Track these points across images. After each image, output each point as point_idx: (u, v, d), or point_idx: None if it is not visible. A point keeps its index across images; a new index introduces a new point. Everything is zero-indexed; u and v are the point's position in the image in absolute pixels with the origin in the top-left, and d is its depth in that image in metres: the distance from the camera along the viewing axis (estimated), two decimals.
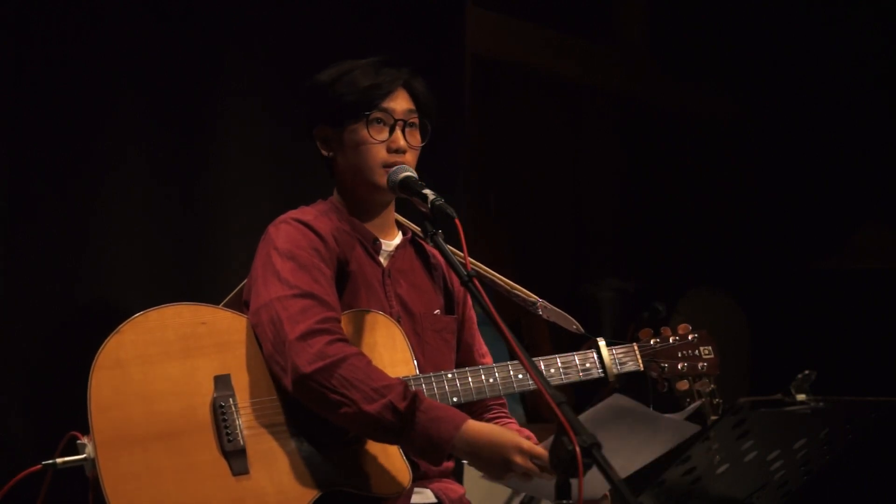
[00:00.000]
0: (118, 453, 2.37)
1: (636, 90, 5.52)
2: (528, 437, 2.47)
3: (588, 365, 2.71)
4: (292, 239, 2.57)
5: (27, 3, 3.17)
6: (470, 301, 2.84)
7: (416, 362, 2.59)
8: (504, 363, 2.65)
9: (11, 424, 3.10)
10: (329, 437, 2.49)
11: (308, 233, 2.59)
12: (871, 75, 5.32)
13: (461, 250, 2.37)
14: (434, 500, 2.63)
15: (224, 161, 3.56)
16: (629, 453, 2.38)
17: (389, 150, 2.64)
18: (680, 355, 2.79)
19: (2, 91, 3.12)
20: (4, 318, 3.10)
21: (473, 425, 2.40)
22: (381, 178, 2.63)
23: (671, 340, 2.81)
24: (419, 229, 2.76)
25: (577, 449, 1.88)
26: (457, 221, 2.39)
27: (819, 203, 5.47)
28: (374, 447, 2.51)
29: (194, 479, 2.38)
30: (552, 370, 2.68)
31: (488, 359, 2.84)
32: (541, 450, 2.32)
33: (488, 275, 2.90)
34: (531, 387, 2.59)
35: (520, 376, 2.63)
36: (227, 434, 2.43)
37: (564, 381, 2.69)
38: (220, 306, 2.63)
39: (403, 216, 2.83)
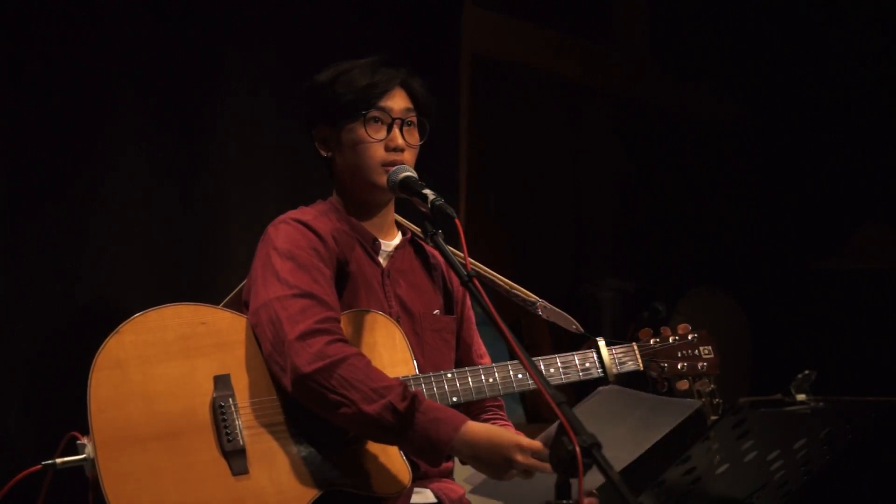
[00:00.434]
0: (118, 453, 2.37)
1: (636, 90, 5.52)
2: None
3: (588, 364, 2.72)
4: (291, 239, 2.57)
5: (27, 3, 3.17)
6: (468, 300, 2.85)
7: (415, 362, 2.59)
8: (504, 363, 2.65)
9: (11, 424, 3.10)
10: (329, 437, 2.49)
11: (307, 233, 2.59)
12: (871, 75, 5.31)
13: (461, 250, 2.37)
14: (434, 500, 2.63)
15: (224, 161, 3.56)
16: (628, 441, 2.38)
17: (388, 149, 2.64)
18: (680, 355, 2.79)
19: (1, 91, 3.12)
20: (4, 318, 3.10)
21: (472, 426, 2.40)
22: (381, 178, 2.63)
23: (671, 340, 2.81)
24: (419, 230, 2.76)
25: (577, 449, 1.88)
26: (457, 221, 2.39)
27: (819, 203, 5.47)
28: (373, 447, 2.51)
29: (194, 479, 2.39)
30: (552, 370, 2.68)
31: (486, 359, 2.84)
32: (540, 444, 2.32)
33: (488, 275, 2.90)
34: (531, 386, 2.59)
35: (519, 376, 2.63)
36: (227, 434, 2.43)
37: (564, 381, 2.69)
38: (219, 306, 2.63)
39: (403, 216, 2.83)
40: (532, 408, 4.80)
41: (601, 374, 2.72)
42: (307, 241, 2.58)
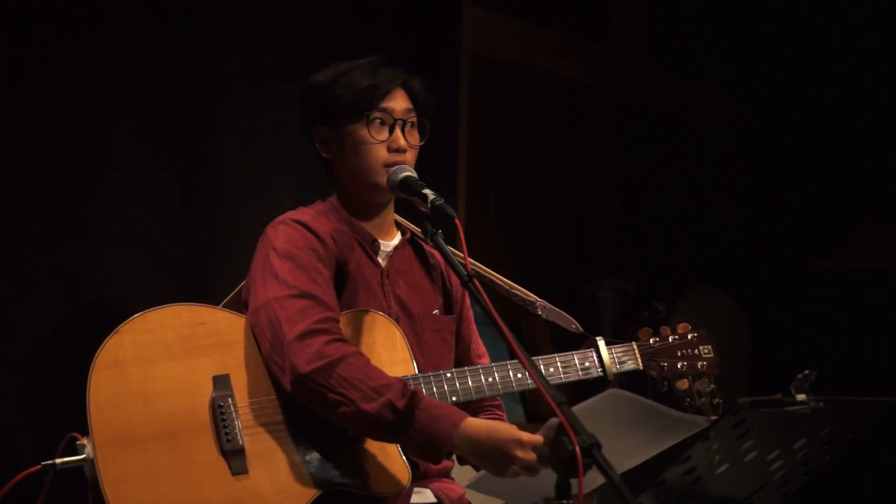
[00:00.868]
0: (117, 453, 2.37)
1: (636, 90, 5.52)
2: None
3: (587, 364, 2.72)
4: (290, 239, 2.57)
5: (27, 3, 3.17)
6: (468, 300, 2.85)
7: (415, 362, 2.59)
8: (503, 363, 2.65)
9: (11, 424, 3.10)
10: (328, 437, 2.49)
11: (306, 233, 2.59)
12: (871, 75, 5.31)
13: (461, 250, 2.37)
14: (434, 499, 2.63)
15: (224, 161, 3.56)
16: (626, 448, 2.38)
17: (390, 150, 2.64)
18: (679, 354, 2.79)
19: (1, 91, 3.12)
20: (4, 319, 3.10)
21: (472, 422, 2.40)
22: (382, 178, 2.63)
23: (670, 339, 2.81)
24: (418, 230, 2.76)
25: (577, 449, 1.88)
26: (457, 221, 2.39)
27: (819, 203, 5.47)
28: (373, 446, 2.51)
29: (193, 479, 2.39)
30: (551, 369, 2.68)
31: (485, 359, 2.84)
32: (541, 439, 2.31)
33: (487, 275, 2.90)
34: (531, 386, 2.59)
35: (519, 376, 2.63)
36: (226, 434, 2.43)
37: (564, 381, 2.69)
38: (219, 307, 2.63)
39: (403, 216, 2.83)
40: (532, 407, 4.80)
41: (601, 374, 2.72)
42: (306, 242, 2.58)
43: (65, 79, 3.22)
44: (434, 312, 2.75)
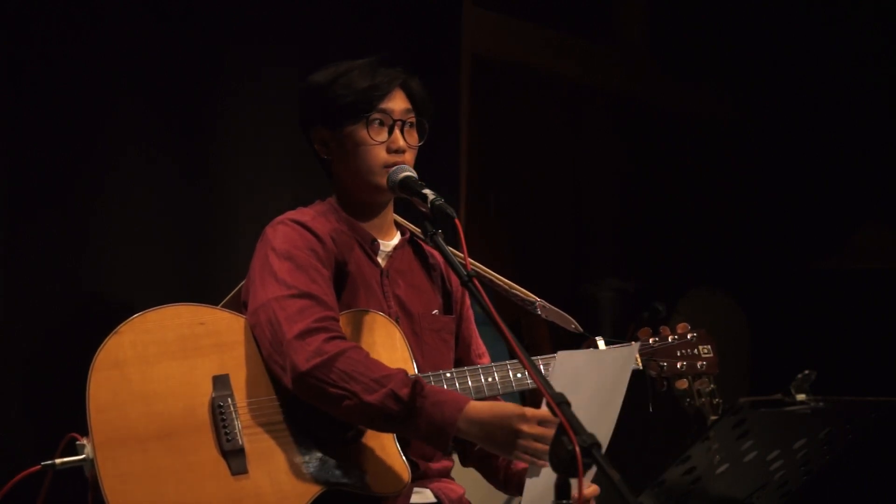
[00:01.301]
0: (117, 453, 2.37)
1: (636, 90, 5.52)
2: None
3: None
4: (289, 239, 2.57)
5: (27, 3, 3.17)
6: (468, 299, 2.85)
7: (414, 362, 2.59)
8: (503, 363, 2.65)
9: (11, 424, 3.10)
10: (328, 436, 2.49)
11: (305, 233, 2.59)
12: (871, 75, 5.31)
13: (461, 250, 2.37)
14: (433, 499, 2.63)
15: (224, 161, 3.56)
16: (604, 405, 2.36)
17: (389, 151, 2.64)
18: (679, 354, 2.79)
19: (2, 91, 3.12)
20: (4, 319, 3.10)
21: (476, 404, 2.39)
22: (382, 179, 2.63)
23: (670, 339, 2.81)
24: (418, 230, 2.76)
25: (577, 449, 1.88)
26: (457, 221, 2.39)
27: (819, 203, 5.47)
28: (373, 446, 2.51)
29: (193, 479, 2.39)
30: (551, 369, 2.68)
31: (486, 359, 2.84)
32: (544, 411, 2.30)
33: (487, 275, 2.90)
34: (530, 386, 2.59)
35: (518, 375, 2.63)
36: (226, 434, 2.43)
37: None
38: (218, 307, 2.63)
39: (403, 216, 2.83)
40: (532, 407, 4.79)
41: None
42: (305, 242, 2.58)
43: (65, 78, 3.23)
44: (434, 312, 2.75)
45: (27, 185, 3.17)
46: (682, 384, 2.76)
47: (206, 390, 2.46)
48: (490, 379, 2.60)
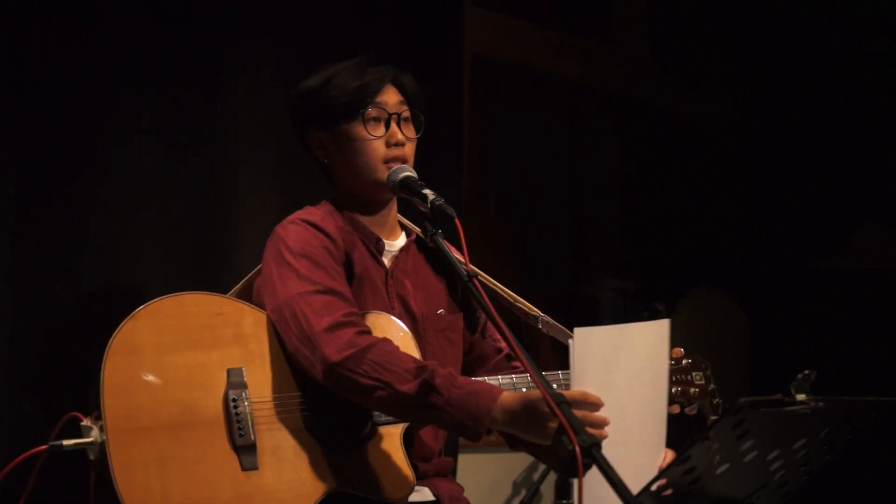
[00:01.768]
0: (130, 440, 2.36)
1: (636, 90, 5.52)
2: None
3: None
4: (303, 238, 2.58)
5: (27, 2, 3.17)
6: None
7: None
8: (507, 374, 2.66)
9: (20, 407, 3.09)
10: (340, 438, 2.51)
11: (317, 233, 2.60)
12: (871, 75, 5.31)
13: (461, 250, 2.38)
14: (432, 497, 2.63)
15: (226, 160, 3.57)
16: (647, 384, 2.35)
17: (388, 145, 2.66)
18: (673, 379, 2.78)
19: (8, 82, 3.12)
20: (14, 303, 3.10)
21: (508, 394, 2.38)
22: (383, 175, 2.65)
23: None
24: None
25: (577, 449, 1.88)
26: (457, 221, 2.40)
27: (819, 203, 5.47)
28: (381, 450, 2.52)
29: (204, 472, 2.38)
30: (554, 385, 2.68)
31: (502, 344, 2.84)
32: (577, 392, 2.25)
33: (492, 285, 2.88)
34: (531, 387, 2.59)
35: (514, 379, 2.63)
36: (239, 428, 2.43)
37: None
38: (238, 299, 2.62)
39: (404, 216, 2.83)
40: None
41: None
42: (319, 241, 2.59)
43: (67, 77, 3.23)
44: (439, 312, 2.75)
45: (34, 176, 3.18)
46: (674, 409, 2.76)
47: (221, 382, 2.46)
48: (494, 383, 2.61)
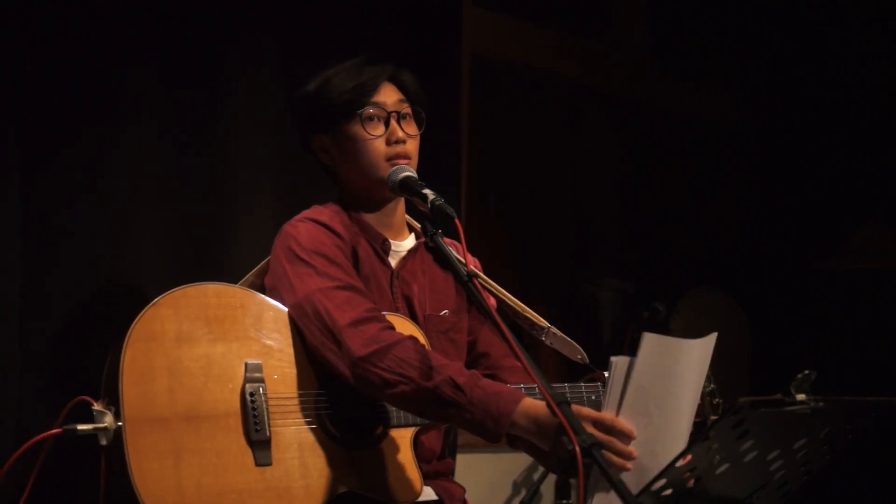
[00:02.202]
0: (146, 429, 2.35)
1: (636, 90, 5.52)
2: None
3: (594, 397, 2.72)
4: (315, 237, 2.59)
5: (28, 2, 3.17)
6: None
7: None
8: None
9: (29, 394, 3.09)
10: (352, 439, 2.51)
11: (328, 232, 2.62)
12: (871, 75, 5.32)
13: (461, 250, 2.38)
14: (435, 497, 2.63)
15: (227, 161, 3.57)
16: (691, 401, 2.35)
17: (389, 143, 2.66)
18: None
19: (10, 82, 3.12)
20: (26, 292, 3.10)
21: (531, 400, 2.38)
22: (385, 173, 2.65)
23: None
24: None
25: (577, 449, 1.88)
26: (457, 221, 2.40)
27: (819, 203, 5.47)
28: (391, 453, 2.52)
29: (218, 465, 2.38)
30: (586, 398, 2.70)
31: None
32: (603, 414, 2.24)
33: (500, 294, 2.87)
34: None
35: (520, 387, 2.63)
36: (255, 423, 2.42)
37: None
38: (259, 293, 2.61)
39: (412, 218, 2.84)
40: None
41: None
42: (330, 240, 2.61)
43: (70, 74, 3.23)
44: (443, 313, 2.76)
45: (43, 168, 3.18)
46: None
47: (238, 375, 2.45)
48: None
